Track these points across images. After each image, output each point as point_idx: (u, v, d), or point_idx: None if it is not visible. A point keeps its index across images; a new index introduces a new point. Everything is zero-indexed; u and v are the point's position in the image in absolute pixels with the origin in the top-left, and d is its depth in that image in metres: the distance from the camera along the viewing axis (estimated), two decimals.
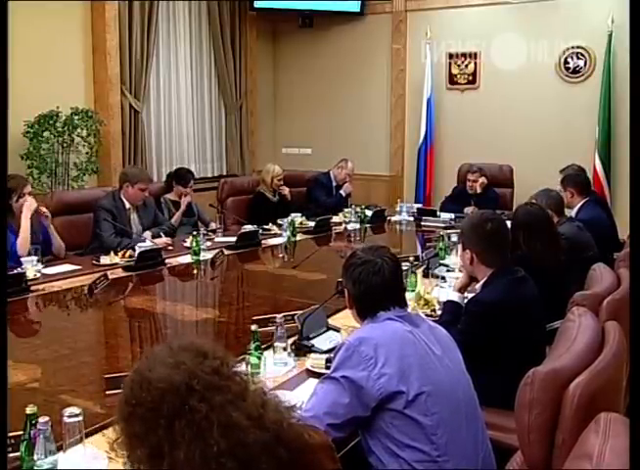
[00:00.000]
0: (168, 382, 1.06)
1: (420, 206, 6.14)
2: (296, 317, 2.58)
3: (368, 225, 5.43)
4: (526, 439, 1.50)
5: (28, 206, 3.82)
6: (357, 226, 5.37)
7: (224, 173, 7.26)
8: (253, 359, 2.22)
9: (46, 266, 3.68)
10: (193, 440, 1.03)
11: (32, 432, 1.61)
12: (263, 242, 4.64)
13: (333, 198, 6.14)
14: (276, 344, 2.33)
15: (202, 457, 1.02)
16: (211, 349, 1.14)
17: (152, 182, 4.85)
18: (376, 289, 1.91)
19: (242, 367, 1.19)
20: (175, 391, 1.05)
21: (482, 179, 5.89)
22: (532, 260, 2.86)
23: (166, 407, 1.05)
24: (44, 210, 3.92)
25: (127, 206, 4.44)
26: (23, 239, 3.76)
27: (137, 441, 1.07)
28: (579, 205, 4.27)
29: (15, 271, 3.32)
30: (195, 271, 3.99)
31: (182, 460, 1.02)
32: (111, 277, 3.52)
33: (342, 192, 6.15)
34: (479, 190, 5.88)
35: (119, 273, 3.72)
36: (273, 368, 2.27)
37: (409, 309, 2.88)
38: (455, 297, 2.70)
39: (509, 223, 2.96)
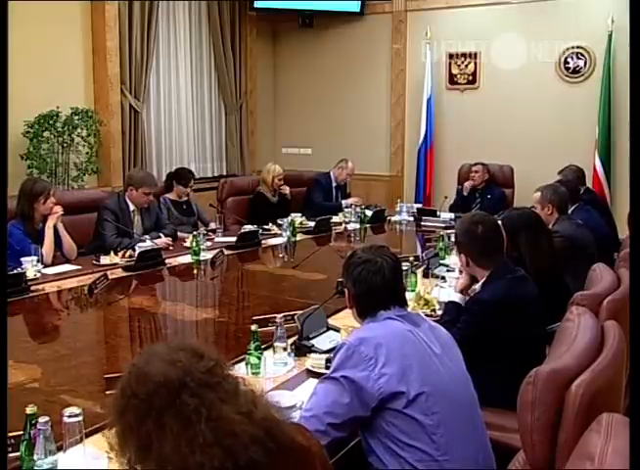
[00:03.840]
0: (163, 376, 1.09)
1: (420, 206, 6.15)
2: (296, 317, 2.58)
3: (368, 225, 5.43)
4: (529, 438, 1.50)
5: (53, 217, 3.86)
6: (357, 226, 5.38)
7: (224, 173, 7.26)
8: (253, 359, 2.22)
9: (46, 266, 3.68)
10: (180, 431, 1.05)
11: (32, 432, 1.60)
12: (263, 242, 4.64)
13: (332, 201, 6.12)
14: (276, 344, 2.33)
15: (187, 447, 1.04)
16: (207, 350, 1.17)
17: (156, 187, 4.83)
18: (376, 288, 1.91)
19: (242, 369, 1.22)
20: (169, 385, 1.09)
21: (484, 172, 5.99)
22: (524, 264, 2.84)
23: (158, 400, 1.08)
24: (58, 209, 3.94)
25: (132, 208, 4.45)
26: (49, 249, 3.80)
27: (129, 432, 1.09)
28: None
29: (15, 271, 3.31)
30: (195, 271, 3.99)
31: (168, 452, 1.05)
32: (111, 277, 3.52)
33: (344, 202, 6.04)
34: (479, 181, 5.97)
35: (119, 273, 3.71)
36: (273, 368, 2.27)
37: (409, 309, 2.89)
38: (457, 298, 2.70)
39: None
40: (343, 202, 6.06)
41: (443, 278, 3.47)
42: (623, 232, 4.21)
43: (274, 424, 1.12)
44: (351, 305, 2.01)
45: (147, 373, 1.10)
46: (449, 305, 2.69)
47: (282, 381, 2.21)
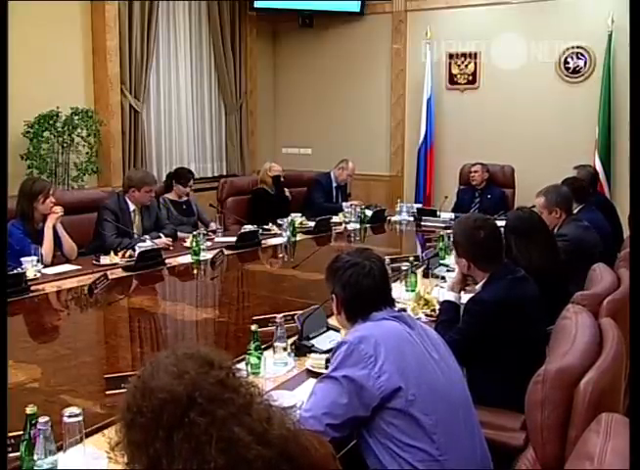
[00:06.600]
0: (170, 392, 1.04)
1: (420, 206, 6.15)
2: (296, 317, 2.58)
3: (368, 225, 5.43)
4: (539, 437, 1.51)
5: (53, 217, 3.86)
6: (357, 226, 5.38)
7: (224, 173, 7.26)
8: (253, 359, 2.22)
9: (45, 266, 3.68)
10: (190, 455, 1.00)
11: (32, 432, 1.60)
12: (263, 242, 4.64)
13: (332, 201, 6.11)
14: (276, 344, 2.33)
15: None
16: (218, 357, 1.11)
17: (157, 183, 4.86)
18: (367, 291, 1.90)
19: (243, 372, 1.16)
20: (176, 402, 1.03)
21: (484, 172, 6.02)
22: (523, 265, 2.83)
23: (166, 418, 1.02)
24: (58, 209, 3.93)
25: (132, 208, 4.45)
26: (48, 249, 3.79)
27: (137, 450, 1.05)
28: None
29: (15, 271, 3.31)
30: (195, 271, 3.99)
31: None
32: (111, 277, 3.52)
33: (344, 204, 6.05)
34: (478, 181, 6.01)
35: (119, 273, 3.71)
36: (273, 368, 2.27)
37: (409, 309, 2.89)
38: (451, 296, 2.69)
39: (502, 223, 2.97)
40: (344, 204, 6.05)
41: (443, 278, 3.46)
42: (625, 233, 4.21)
43: (289, 442, 1.07)
44: (339, 311, 1.98)
45: (152, 388, 1.05)
46: (445, 305, 2.69)
47: (282, 381, 2.21)
